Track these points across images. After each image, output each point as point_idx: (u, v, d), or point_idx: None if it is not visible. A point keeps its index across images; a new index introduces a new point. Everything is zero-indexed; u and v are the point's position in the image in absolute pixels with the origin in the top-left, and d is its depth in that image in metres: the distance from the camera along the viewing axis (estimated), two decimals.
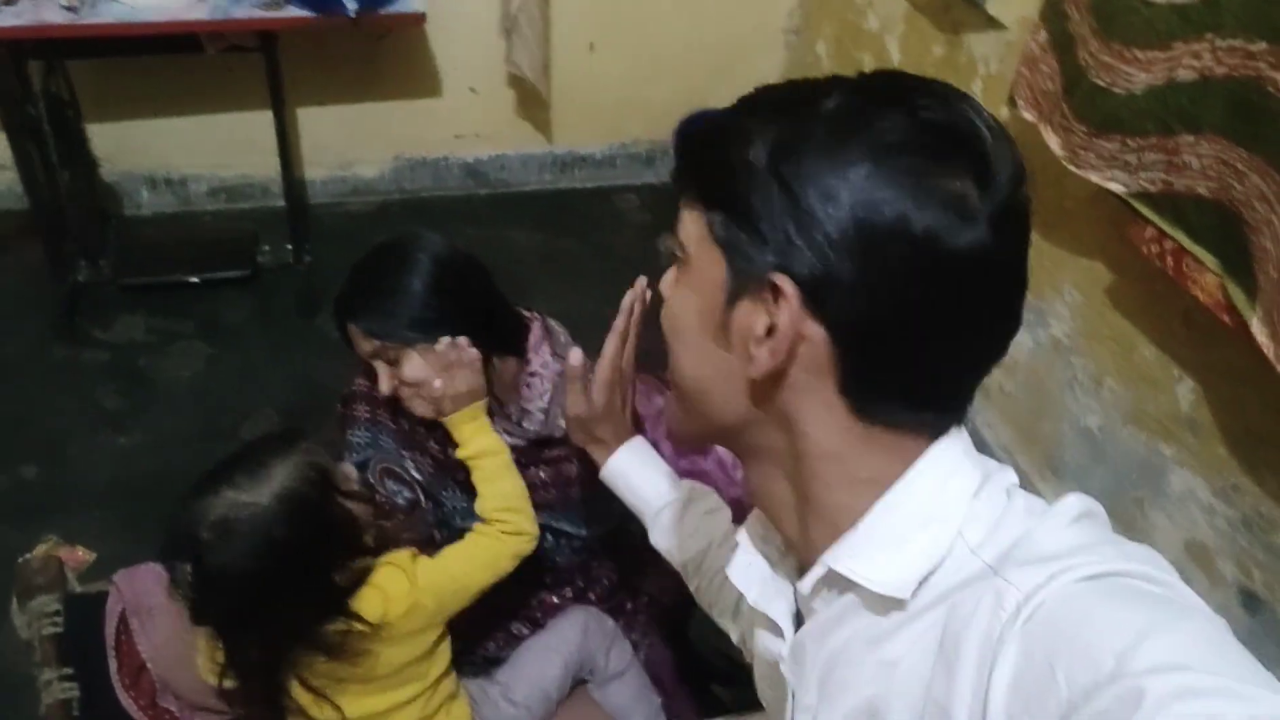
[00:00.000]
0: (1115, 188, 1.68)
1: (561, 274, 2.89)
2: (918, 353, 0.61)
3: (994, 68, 2.24)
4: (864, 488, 0.65)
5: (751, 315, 0.63)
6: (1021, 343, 2.22)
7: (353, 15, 2.26)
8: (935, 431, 0.65)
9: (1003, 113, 2.16)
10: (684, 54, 3.11)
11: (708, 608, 1.16)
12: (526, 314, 1.44)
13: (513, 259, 2.90)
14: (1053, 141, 1.80)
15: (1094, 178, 1.71)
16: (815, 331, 0.61)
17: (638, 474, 1.19)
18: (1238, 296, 1.46)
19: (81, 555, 2.00)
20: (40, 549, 1.91)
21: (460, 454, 1.32)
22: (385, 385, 1.31)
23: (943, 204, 0.57)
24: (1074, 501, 0.63)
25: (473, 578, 1.29)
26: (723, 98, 0.67)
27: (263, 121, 2.62)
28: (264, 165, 2.87)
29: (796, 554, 0.76)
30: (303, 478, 1.18)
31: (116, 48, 2.34)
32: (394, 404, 1.41)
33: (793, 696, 0.76)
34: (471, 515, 1.38)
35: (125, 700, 1.48)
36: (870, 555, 0.65)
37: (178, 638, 1.49)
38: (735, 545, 0.81)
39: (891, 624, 0.65)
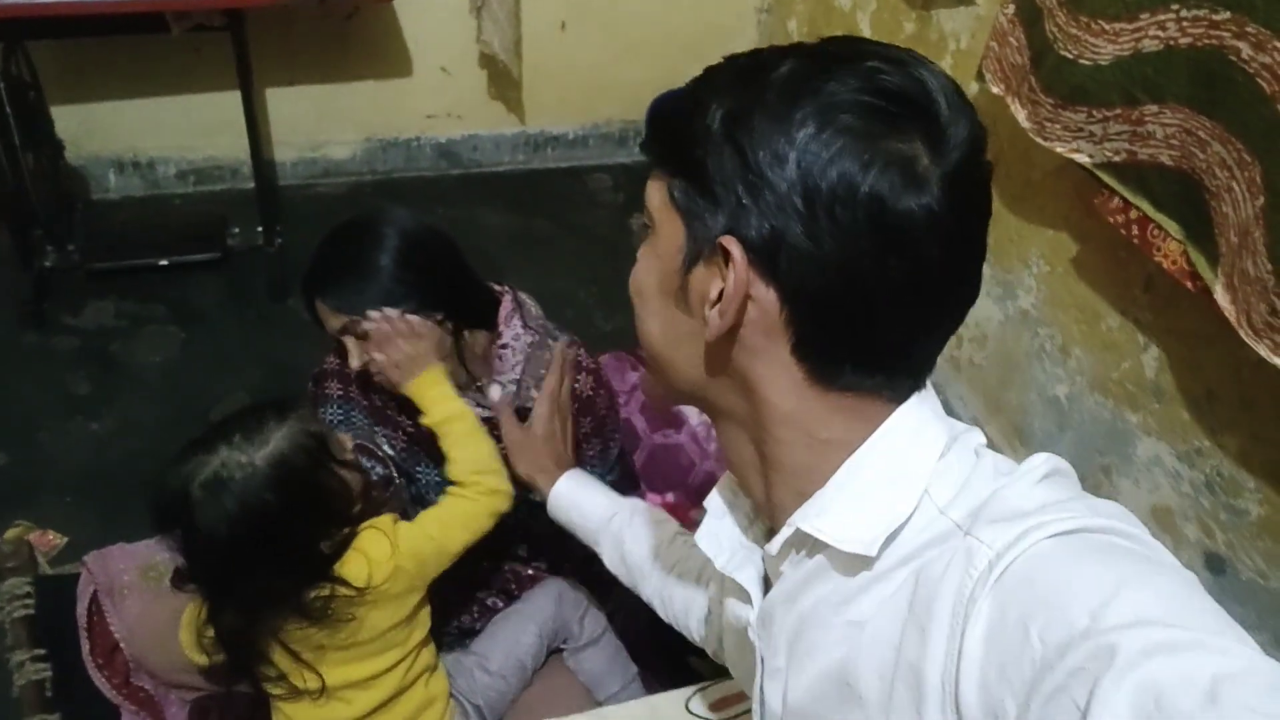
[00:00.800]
0: (1081, 158, 1.70)
1: (534, 254, 2.88)
2: (868, 316, 0.61)
3: (964, 43, 2.25)
4: (826, 449, 0.66)
5: (706, 279, 0.64)
6: (990, 314, 2.24)
7: None
8: (895, 395, 0.66)
9: (972, 87, 2.18)
10: (656, 33, 3.09)
11: (664, 610, 1.16)
12: (497, 288, 1.44)
13: (485, 239, 2.89)
14: (1020, 114, 1.82)
15: (1060, 149, 1.73)
16: (766, 294, 0.62)
17: (584, 495, 1.24)
18: (1200, 262, 1.49)
19: (52, 539, 1.99)
20: (11, 533, 1.90)
21: (425, 421, 1.32)
22: (355, 361, 1.31)
23: (890, 166, 0.57)
24: (1042, 460, 0.64)
25: (452, 538, 1.30)
26: None
27: (231, 102, 2.59)
28: (233, 147, 2.85)
29: (764, 517, 0.77)
30: (298, 444, 1.18)
31: (80, 28, 2.31)
32: (365, 380, 1.41)
33: (761, 662, 0.76)
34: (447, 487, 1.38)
35: (98, 680, 1.48)
36: (836, 514, 0.65)
37: (150, 616, 1.50)
38: (703, 512, 0.82)
39: (859, 584, 0.65)
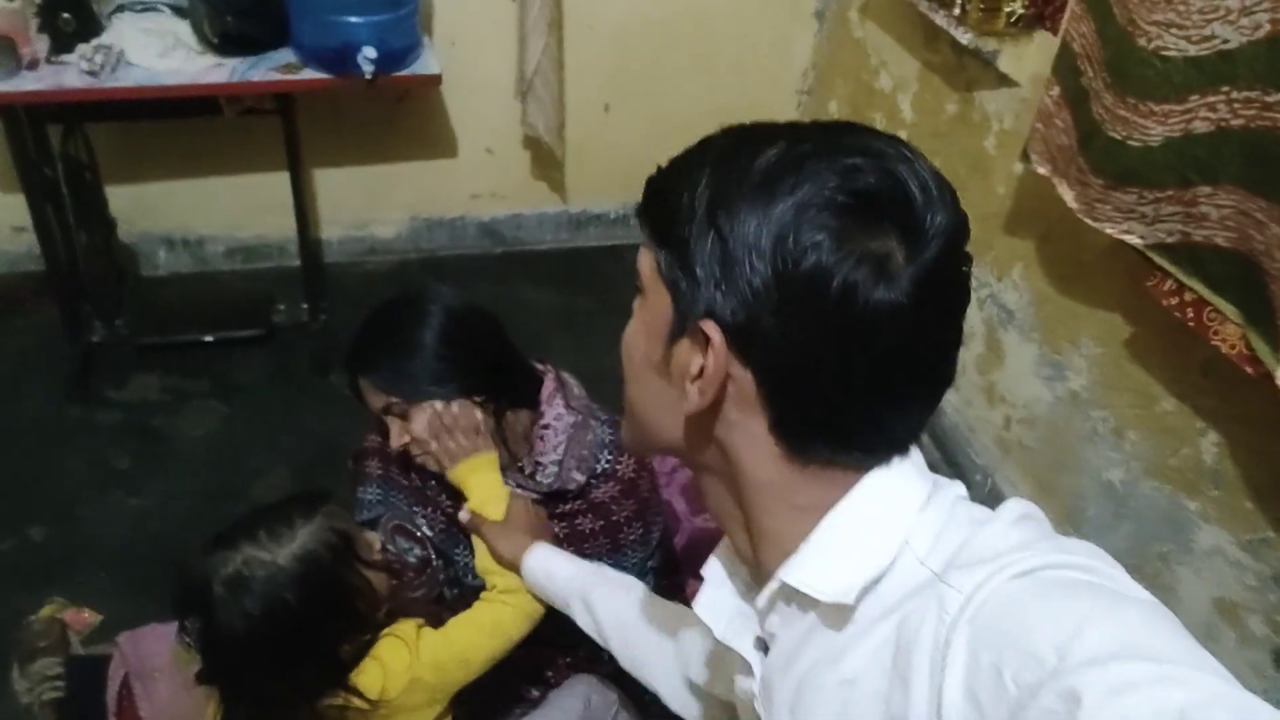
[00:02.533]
0: (1132, 240, 1.66)
1: (576, 330, 2.89)
2: (839, 401, 0.63)
3: (1008, 124, 2.24)
4: (804, 513, 0.68)
5: (689, 354, 0.66)
6: (1040, 396, 2.19)
7: (369, 77, 2.28)
8: (874, 465, 0.67)
9: (1016, 168, 2.17)
10: (698, 115, 3.11)
11: (633, 668, 1.17)
12: (540, 367, 1.43)
13: (528, 316, 2.90)
14: (1067, 195, 1.79)
15: (1110, 230, 1.70)
16: (743, 375, 0.64)
17: (554, 562, 1.25)
18: (1260, 346, 1.44)
19: (87, 617, 1.98)
20: (45, 610, 1.90)
21: (470, 505, 1.30)
22: (396, 440, 1.30)
23: (862, 263, 0.59)
24: (1013, 505, 0.66)
25: (480, 648, 1.26)
26: None
27: (280, 183, 2.64)
28: (281, 226, 2.89)
29: (758, 578, 0.77)
30: (324, 541, 1.17)
31: (136, 111, 2.37)
32: (406, 460, 1.39)
33: None
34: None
35: None
36: (816, 567, 0.66)
37: (180, 701, 1.47)
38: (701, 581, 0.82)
39: (846, 640, 0.66)
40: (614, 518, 1.38)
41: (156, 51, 2.23)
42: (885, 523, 0.65)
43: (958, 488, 0.69)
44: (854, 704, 0.65)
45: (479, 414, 1.29)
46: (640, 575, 1.43)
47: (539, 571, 1.25)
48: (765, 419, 0.65)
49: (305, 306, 2.82)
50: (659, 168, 0.70)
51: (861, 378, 0.62)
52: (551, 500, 1.37)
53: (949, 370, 0.67)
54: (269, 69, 2.29)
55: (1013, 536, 0.63)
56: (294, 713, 1.17)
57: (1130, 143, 1.60)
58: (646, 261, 0.69)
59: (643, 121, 3.12)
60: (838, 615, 0.66)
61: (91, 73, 2.14)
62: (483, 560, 1.29)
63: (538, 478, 1.36)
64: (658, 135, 3.21)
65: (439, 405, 1.26)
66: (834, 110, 3.07)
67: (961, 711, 0.55)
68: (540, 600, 1.28)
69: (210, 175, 2.91)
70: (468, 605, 1.31)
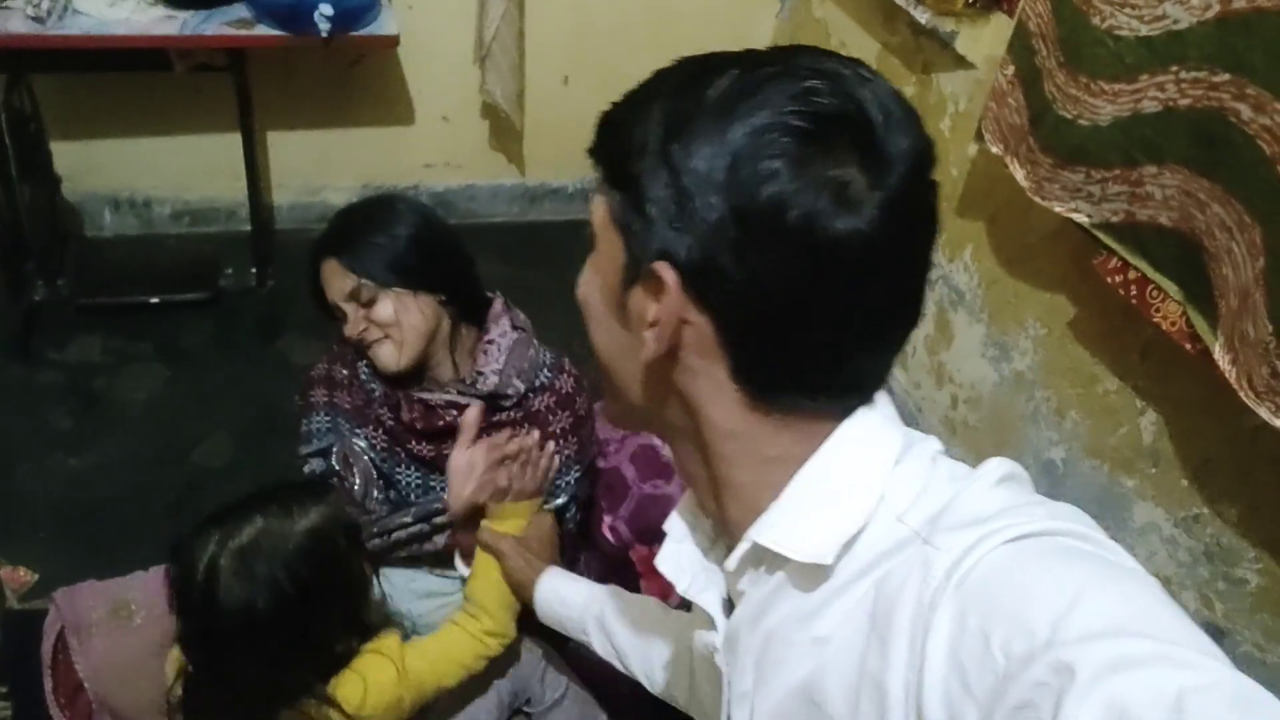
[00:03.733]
0: (1079, 218, 1.69)
1: (528, 305, 2.84)
2: (804, 341, 0.60)
3: (963, 105, 2.27)
4: (774, 465, 0.65)
5: (644, 300, 0.62)
6: (985, 376, 2.22)
7: (325, 35, 2.25)
8: (842, 411, 0.64)
9: (970, 150, 2.19)
10: None
11: (650, 684, 1.13)
12: (489, 295, 1.53)
13: None
14: (1018, 173, 1.82)
15: (1058, 209, 1.73)
16: (700, 319, 0.61)
17: (565, 586, 1.25)
18: (1200, 324, 1.47)
19: (23, 576, 1.94)
20: None
21: (493, 525, 1.34)
22: (353, 329, 1.36)
23: (822, 190, 0.56)
24: (997, 465, 0.62)
25: (449, 676, 1.28)
26: None
27: (230, 144, 2.60)
28: (230, 189, 2.84)
29: (723, 535, 0.75)
30: (335, 521, 1.17)
31: (83, 62, 2.32)
32: (350, 381, 1.46)
33: (728, 686, 0.74)
34: (427, 491, 1.43)
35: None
36: (790, 526, 0.64)
37: (118, 655, 1.45)
38: (663, 536, 0.81)
39: (821, 598, 0.64)
40: (550, 428, 1.45)
41: (106, 0, 2.18)
42: (859, 478, 0.63)
43: (934, 443, 0.66)
44: (826, 662, 0.62)
45: (436, 307, 1.39)
46: (571, 496, 1.51)
47: (551, 596, 1.23)
48: (726, 365, 0.62)
49: (253, 271, 2.78)
50: (612, 103, 0.66)
51: (825, 314, 0.59)
52: (490, 406, 1.43)
53: (917, 305, 0.63)
54: (222, 23, 2.25)
55: (1000, 498, 0.60)
56: (266, 711, 1.15)
57: (1080, 122, 1.62)
58: (599, 206, 0.66)
59: (602, 96, 3.01)
60: (812, 573, 0.64)
61: (37, 19, 2.08)
62: (478, 589, 1.31)
63: (478, 386, 1.43)
64: None
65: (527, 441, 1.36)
66: None
67: (944, 675, 0.53)
68: (551, 630, 1.29)
69: (159, 135, 2.84)
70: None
